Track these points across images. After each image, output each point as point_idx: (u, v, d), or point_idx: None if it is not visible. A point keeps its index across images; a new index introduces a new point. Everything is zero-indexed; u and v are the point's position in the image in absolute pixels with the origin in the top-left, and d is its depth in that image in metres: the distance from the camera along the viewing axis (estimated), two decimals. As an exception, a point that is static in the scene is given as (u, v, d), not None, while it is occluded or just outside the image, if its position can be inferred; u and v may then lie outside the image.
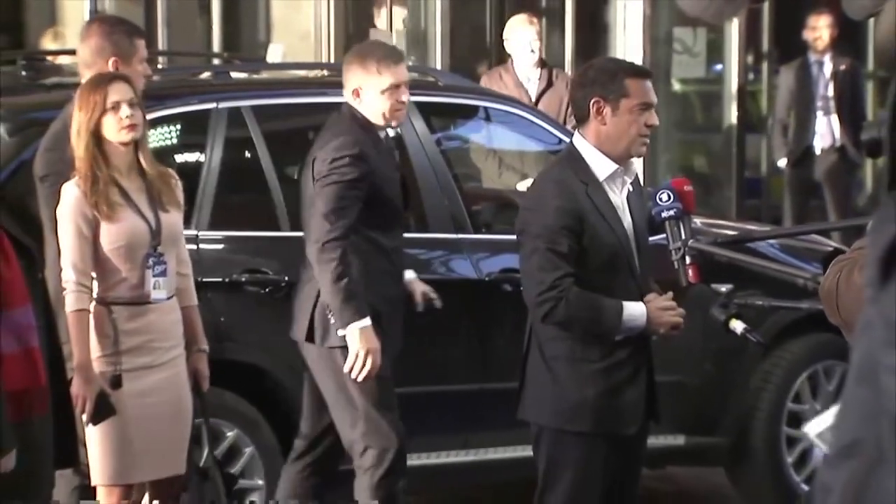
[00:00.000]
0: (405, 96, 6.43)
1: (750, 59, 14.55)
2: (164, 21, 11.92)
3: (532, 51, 10.24)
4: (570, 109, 9.93)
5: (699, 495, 8.40)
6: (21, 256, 4.97)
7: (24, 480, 4.88)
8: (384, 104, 6.33)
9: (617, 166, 5.43)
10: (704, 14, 12.85)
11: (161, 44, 11.87)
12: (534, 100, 10.16)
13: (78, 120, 5.78)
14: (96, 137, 5.76)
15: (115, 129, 5.78)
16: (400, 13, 12.55)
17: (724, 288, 6.53)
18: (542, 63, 10.36)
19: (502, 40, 10.47)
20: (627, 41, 13.26)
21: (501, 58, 10.86)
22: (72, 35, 11.91)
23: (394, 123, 6.52)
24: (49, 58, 8.55)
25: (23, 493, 5.01)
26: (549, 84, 10.22)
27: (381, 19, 12.55)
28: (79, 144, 5.78)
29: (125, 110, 5.75)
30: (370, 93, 6.32)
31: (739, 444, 7.73)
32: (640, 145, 5.45)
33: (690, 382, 7.51)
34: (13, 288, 4.88)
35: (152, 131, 6.71)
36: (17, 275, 4.91)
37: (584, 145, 5.46)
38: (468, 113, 8.50)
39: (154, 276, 5.85)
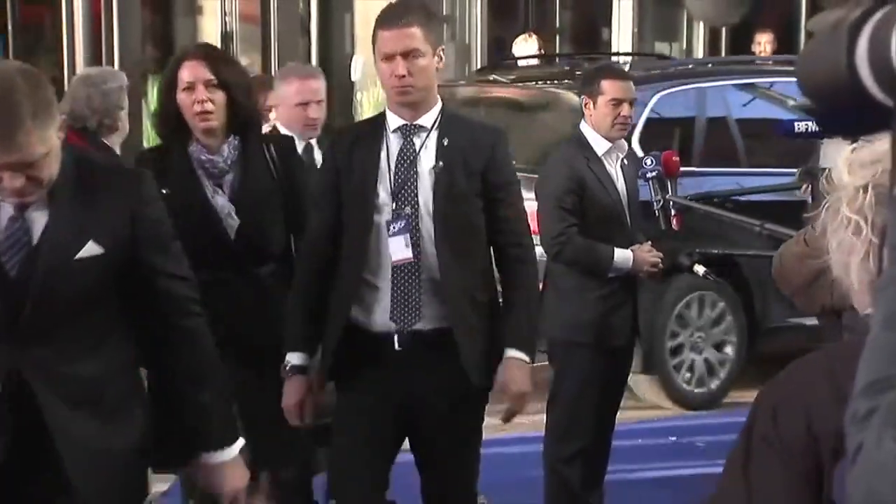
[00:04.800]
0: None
1: (712, 65, 14.47)
2: (275, 38, 11.81)
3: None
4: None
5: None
6: None
7: None
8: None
9: (610, 144, 5.38)
10: (706, 17, 12.78)
11: (274, 58, 11.75)
12: None
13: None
14: None
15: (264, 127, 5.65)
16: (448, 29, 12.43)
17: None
18: None
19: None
20: (621, 52, 13.14)
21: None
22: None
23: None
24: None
25: None
26: None
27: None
28: None
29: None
30: None
31: None
32: (617, 131, 5.35)
33: None
34: None
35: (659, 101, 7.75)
36: None
37: (586, 129, 5.41)
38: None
39: None
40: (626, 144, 5.48)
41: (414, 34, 3.82)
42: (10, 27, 10.20)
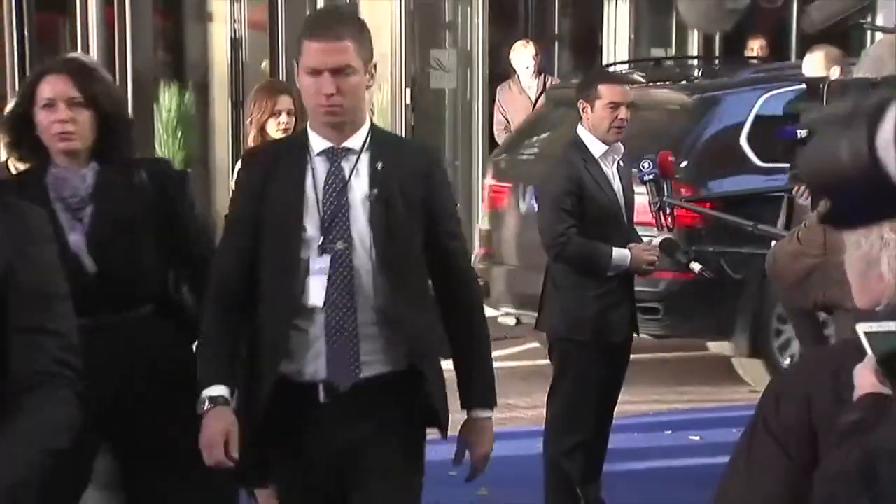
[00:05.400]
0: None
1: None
2: (283, 46, 11.78)
3: (527, 67, 10.19)
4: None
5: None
6: None
7: None
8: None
9: (607, 147, 5.37)
10: (701, 24, 12.82)
11: (282, 63, 11.71)
12: (533, 102, 10.15)
13: (252, 115, 5.76)
14: (262, 130, 5.72)
15: (274, 129, 5.71)
16: (451, 37, 12.42)
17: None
18: (539, 73, 10.28)
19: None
20: (618, 58, 13.14)
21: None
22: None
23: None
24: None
25: None
26: (544, 89, 10.19)
27: (440, 41, 12.41)
28: (251, 132, 5.76)
29: (284, 117, 5.69)
30: None
31: None
32: (613, 134, 5.34)
33: None
34: None
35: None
36: None
37: (583, 132, 5.39)
38: None
39: None
40: (622, 147, 5.47)
41: (346, 48, 3.25)
42: (25, 33, 10.20)
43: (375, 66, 3.36)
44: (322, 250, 3.29)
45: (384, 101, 11.23)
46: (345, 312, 3.29)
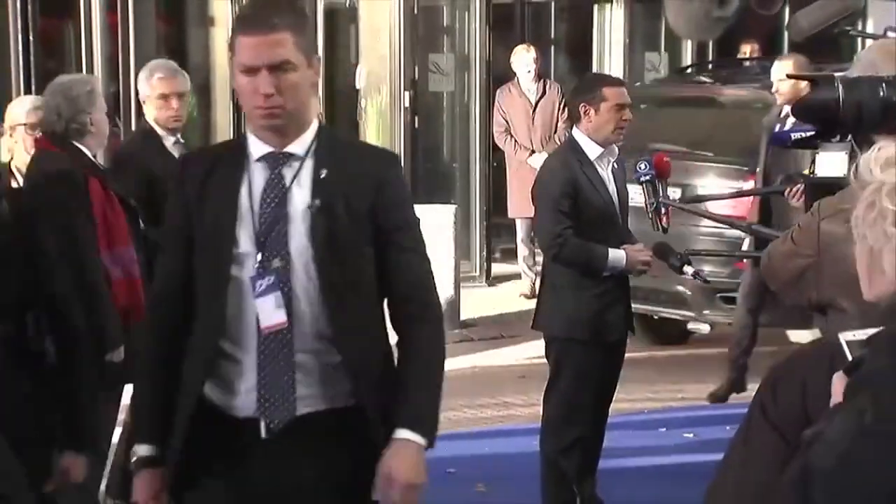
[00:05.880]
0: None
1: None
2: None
3: (528, 71, 10.24)
4: (561, 110, 10.01)
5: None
6: (126, 212, 4.79)
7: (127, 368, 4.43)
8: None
9: (602, 149, 5.39)
10: (690, 33, 12.86)
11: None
12: (532, 105, 10.20)
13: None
14: None
15: None
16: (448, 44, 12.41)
17: None
18: (539, 77, 10.32)
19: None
20: (612, 62, 13.16)
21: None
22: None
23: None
24: None
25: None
26: (544, 93, 10.26)
27: (438, 45, 12.41)
28: None
29: None
30: None
31: None
32: (618, 135, 5.37)
33: None
34: (117, 230, 4.68)
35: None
36: (120, 220, 4.71)
37: (579, 135, 5.40)
38: None
39: None
40: (616, 149, 5.48)
41: (283, 41, 2.82)
42: (31, 38, 10.20)
43: (320, 60, 2.96)
44: (262, 268, 2.87)
45: (383, 104, 11.23)
46: (280, 338, 2.88)
